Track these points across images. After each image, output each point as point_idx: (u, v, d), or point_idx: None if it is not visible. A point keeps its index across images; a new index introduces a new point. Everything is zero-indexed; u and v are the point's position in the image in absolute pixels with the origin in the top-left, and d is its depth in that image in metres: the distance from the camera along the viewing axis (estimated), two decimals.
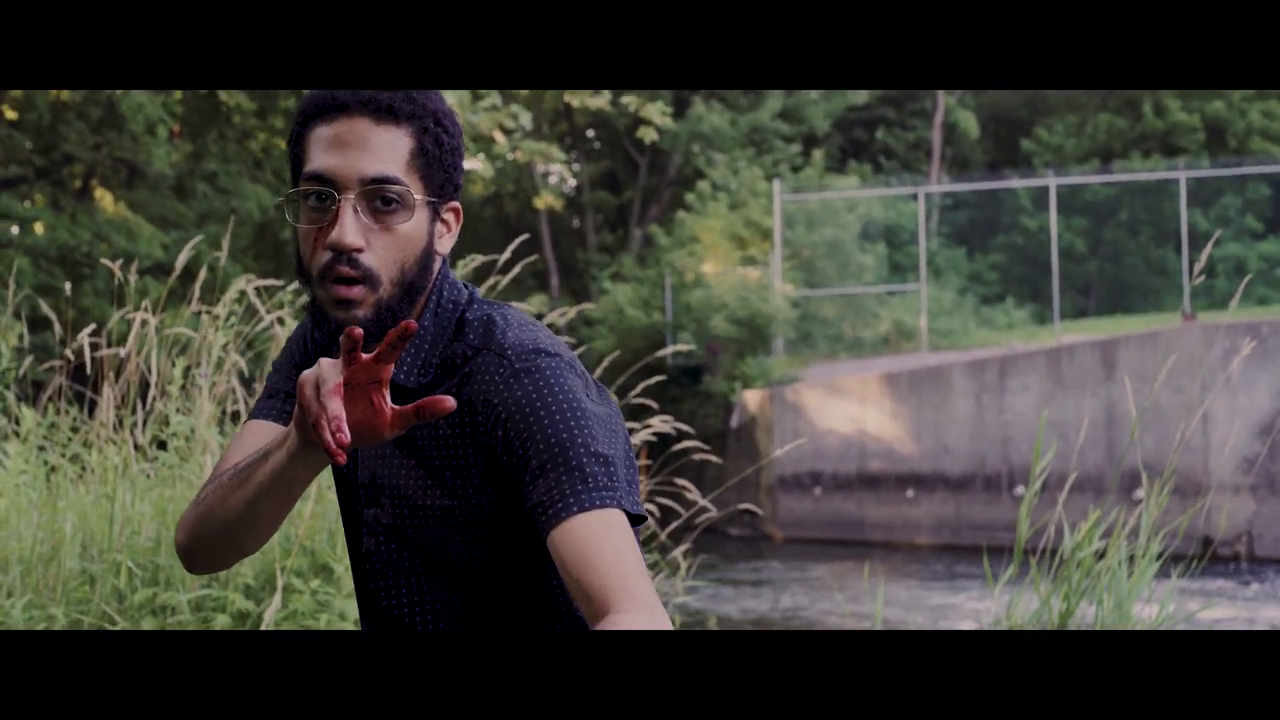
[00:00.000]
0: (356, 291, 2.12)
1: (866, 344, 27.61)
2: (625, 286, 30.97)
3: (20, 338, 6.91)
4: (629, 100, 13.11)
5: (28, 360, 6.76)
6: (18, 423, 6.64)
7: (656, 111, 12.81)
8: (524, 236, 6.93)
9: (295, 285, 5.64)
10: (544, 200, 29.00)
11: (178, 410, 5.78)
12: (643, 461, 7.78)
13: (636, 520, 2.11)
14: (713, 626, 8.43)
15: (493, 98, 12.33)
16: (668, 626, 1.97)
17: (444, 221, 2.24)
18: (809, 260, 28.75)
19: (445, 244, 2.25)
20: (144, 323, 5.36)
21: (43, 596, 5.28)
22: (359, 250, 2.11)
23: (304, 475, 2.12)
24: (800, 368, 26.05)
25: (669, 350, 7.31)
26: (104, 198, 25.05)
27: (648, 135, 13.19)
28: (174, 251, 17.96)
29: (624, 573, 1.98)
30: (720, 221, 29.64)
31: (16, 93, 23.38)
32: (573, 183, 40.33)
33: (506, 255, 6.27)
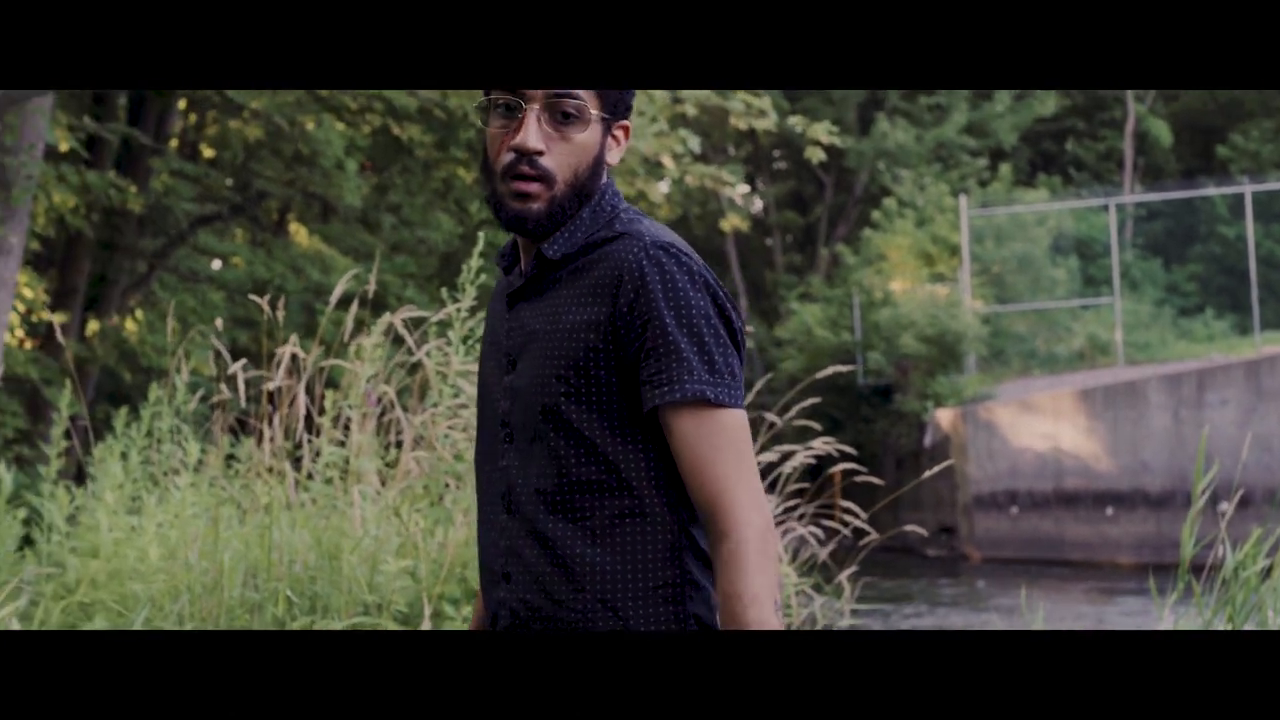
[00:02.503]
0: (534, 188, 2.45)
1: (1061, 359, 27.07)
2: (814, 306, 30.82)
3: (193, 371, 7.05)
4: (795, 120, 12.97)
5: (198, 393, 6.90)
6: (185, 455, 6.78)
7: (823, 131, 12.66)
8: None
9: (442, 315, 5.67)
10: (730, 222, 28.97)
11: (331, 441, 5.85)
12: (810, 485, 7.67)
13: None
14: None
15: (660, 123, 12.31)
16: (770, 542, 2.35)
17: (614, 137, 2.56)
18: (999, 275, 28.31)
19: (614, 156, 2.57)
20: (294, 356, 5.44)
21: (207, 625, 5.37)
22: (540, 153, 2.44)
23: None
24: (993, 385, 25.64)
25: (834, 369, 7.21)
26: (298, 232, 25.56)
27: (815, 155, 13.04)
28: (364, 281, 18.20)
29: (725, 476, 2.36)
30: (907, 238, 29.34)
31: (212, 131, 23.95)
32: (759, 204, 40.26)
33: None
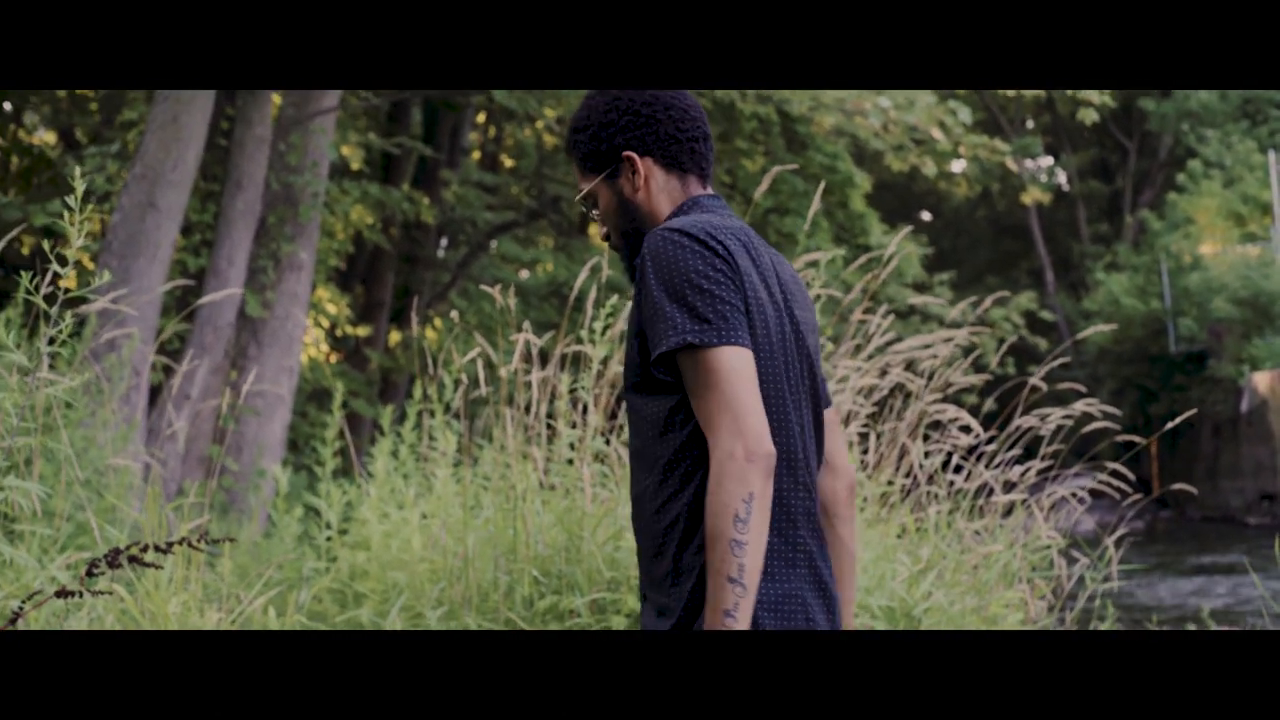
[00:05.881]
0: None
1: None
2: (1120, 276, 30.10)
3: (455, 369, 7.30)
4: None
5: (461, 388, 7.15)
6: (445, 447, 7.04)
7: (1094, 92, 12.40)
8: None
9: None
10: (1031, 195, 28.49)
11: (572, 424, 6.02)
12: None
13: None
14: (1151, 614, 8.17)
15: (927, 95, 12.17)
16: (742, 468, 2.68)
17: (624, 178, 3.11)
18: None
19: (641, 182, 3.09)
20: (527, 343, 5.62)
21: (460, 607, 5.58)
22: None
23: None
24: None
25: (1095, 329, 7.11)
26: (595, 233, 25.99)
27: (1088, 117, 12.77)
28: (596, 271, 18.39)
29: (712, 408, 2.75)
30: (1215, 200, 28.42)
31: (511, 141, 24.53)
32: (1063, 175, 39.42)
33: (891, 248, 6.27)
